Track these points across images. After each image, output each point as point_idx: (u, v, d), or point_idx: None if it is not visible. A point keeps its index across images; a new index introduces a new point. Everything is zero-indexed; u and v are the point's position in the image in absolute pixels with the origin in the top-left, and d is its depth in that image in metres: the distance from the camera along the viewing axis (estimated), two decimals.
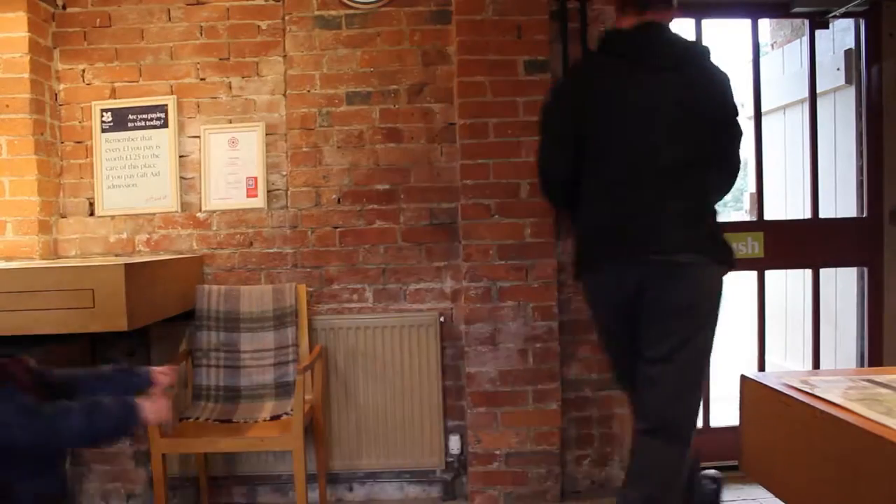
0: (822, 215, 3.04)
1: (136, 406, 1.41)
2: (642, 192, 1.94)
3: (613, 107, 1.96)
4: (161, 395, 1.50)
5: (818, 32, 3.03)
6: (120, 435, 1.40)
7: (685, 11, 2.97)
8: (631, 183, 1.95)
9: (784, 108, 3.47)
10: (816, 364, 3.08)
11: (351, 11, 2.79)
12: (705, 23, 2.99)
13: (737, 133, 2.05)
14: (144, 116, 2.82)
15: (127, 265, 2.04)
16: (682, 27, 3.04)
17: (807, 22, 3.04)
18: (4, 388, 1.33)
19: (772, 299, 3.50)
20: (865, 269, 2.99)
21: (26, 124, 2.65)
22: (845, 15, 2.92)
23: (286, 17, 2.80)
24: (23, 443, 1.30)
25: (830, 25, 3.07)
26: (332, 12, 2.80)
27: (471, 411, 2.65)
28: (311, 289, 2.78)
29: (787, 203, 3.53)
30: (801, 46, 3.28)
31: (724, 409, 3.02)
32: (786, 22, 3.46)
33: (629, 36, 2.00)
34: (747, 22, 2.98)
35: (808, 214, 3.11)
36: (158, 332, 2.73)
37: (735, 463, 2.83)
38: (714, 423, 3.03)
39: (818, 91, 3.17)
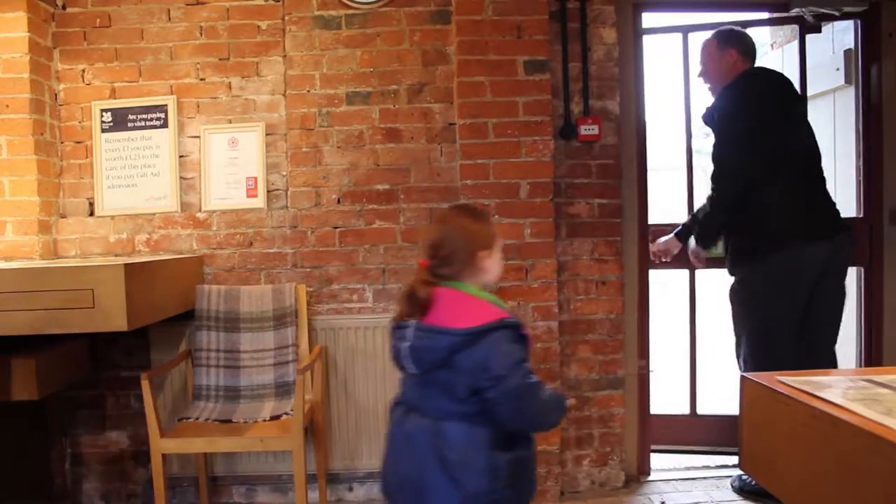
0: None
1: (566, 400, 1.52)
2: (818, 183, 2.55)
3: (789, 118, 2.52)
4: None
5: (820, 31, 3.04)
6: (555, 425, 1.53)
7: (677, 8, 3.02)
8: (810, 175, 2.54)
9: None
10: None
11: (351, 11, 2.79)
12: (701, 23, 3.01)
13: None
14: (144, 116, 2.82)
15: (127, 265, 2.04)
16: (671, 42, 3.10)
17: (797, 27, 3.04)
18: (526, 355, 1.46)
19: None
20: (865, 270, 2.99)
21: (26, 124, 2.65)
22: (844, 16, 2.93)
23: (286, 18, 2.80)
24: (531, 411, 1.43)
25: (831, 26, 3.07)
26: (332, 12, 2.80)
27: None
28: (311, 289, 2.78)
29: None
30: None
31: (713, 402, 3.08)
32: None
33: (774, 73, 2.63)
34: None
35: None
36: (158, 332, 2.73)
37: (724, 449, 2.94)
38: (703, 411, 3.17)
39: (818, 91, 3.18)
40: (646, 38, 2.97)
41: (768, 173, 2.46)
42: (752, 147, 2.45)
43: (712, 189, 2.56)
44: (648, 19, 2.97)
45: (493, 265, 1.51)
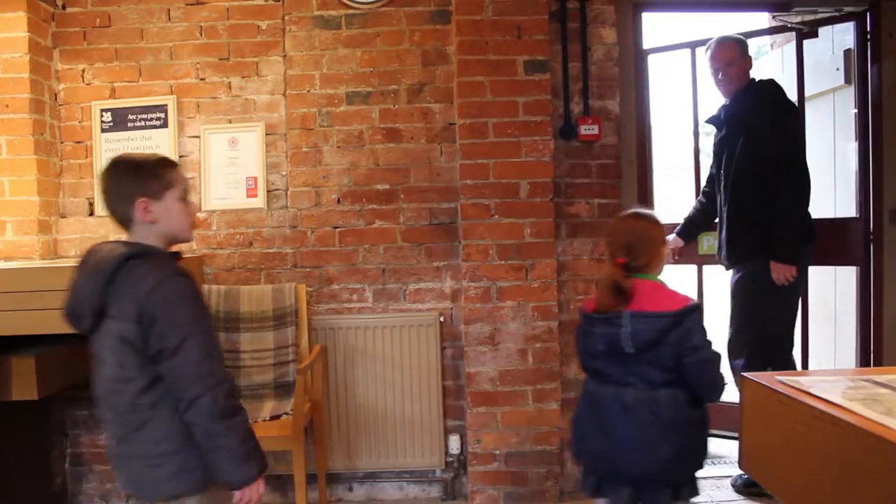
0: (821, 215, 3.04)
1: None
2: None
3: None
4: None
5: (819, 31, 3.04)
6: (717, 400, 1.78)
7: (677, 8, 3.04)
8: None
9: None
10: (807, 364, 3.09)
11: (351, 11, 2.79)
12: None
13: None
14: (144, 116, 2.82)
15: None
16: (679, 58, 3.20)
17: (794, 33, 3.06)
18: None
19: None
20: (865, 270, 2.98)
21: (26, 124, 2.65)
22: (843, 18, 2.93)
23: (286, 17, 2.80)
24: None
25: (831, 26, 3.07)
26: (332, 12, 2.80)
27: (470, 411, 2.65)
28: (310, 289, 2.78)
29: None
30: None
31: None
32: (783, 14, 3.45)
33: None
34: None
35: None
36: None
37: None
38: None
39: (818, 91, 3.18)
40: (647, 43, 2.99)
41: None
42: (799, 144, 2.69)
43: (787, 194, 2.53)
44: (648, 20, 2.98)
45: (666, 257, 1.89)
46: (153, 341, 1.42)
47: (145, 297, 1.41)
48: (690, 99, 3.17)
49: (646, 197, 2.94)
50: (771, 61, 3.54)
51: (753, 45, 2.87)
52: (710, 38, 2.76)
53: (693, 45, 3.13)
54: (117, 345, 1.44)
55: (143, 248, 1.49)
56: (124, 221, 1.52)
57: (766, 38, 3.77)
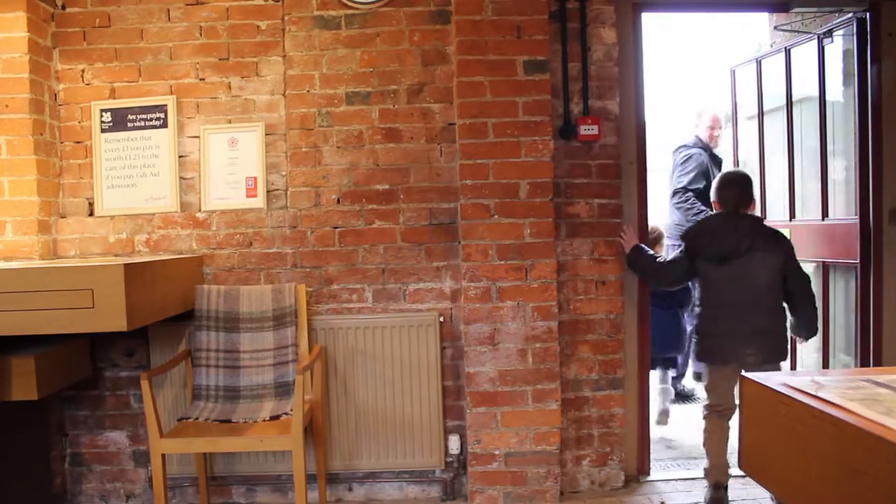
0: (821, 215, 3.04)
1: None
2: None
3: None
4: None
5: (832, 40, 3.06)
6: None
7: (678, 8, 3.01)
8: None
9: (783, 108, 3.47)
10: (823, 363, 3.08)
11: (350, 11, 2.79)
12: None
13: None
14: (144, 116, 2.82)
15: (126, 265, 2.04)
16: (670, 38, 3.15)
17: (816, 37, 3.08)
18: None
19: None
20: (865, 270, 2.98)
21: (26, 124, 2.65)
22: (844, 24, 2.93)
23: (285, 18, 2.80)
24: None
25: (829, 26, 3.08)
26: (332, 12, 2.80)
27: (470, 411, 2.65)
28: (310, 289, 2.78)
29: (775, 205, 3.53)
30: (800, 48, 3.30)
31: None
32: (786, 24, 3.47)
33: None
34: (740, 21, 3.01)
35: (806, 217, 3.11)
36: (158, 332, 2.73)
37: None
38: None
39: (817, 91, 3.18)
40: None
41: None
42: None
43: None
44: (648, 20, 2.97)
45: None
46: (790, 268, 2.55)
47: (787, 246, 2.56)
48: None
49: (644, 196, 2.94)
50: (772, 62, 3.54)
51: (754, 45, 2.88)
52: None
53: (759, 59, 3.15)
54: (773, 268, 2.52)
55: (760, 218, 2.76)
56: (745, 206, 2.60)
57: (766, 38, 3.78)
